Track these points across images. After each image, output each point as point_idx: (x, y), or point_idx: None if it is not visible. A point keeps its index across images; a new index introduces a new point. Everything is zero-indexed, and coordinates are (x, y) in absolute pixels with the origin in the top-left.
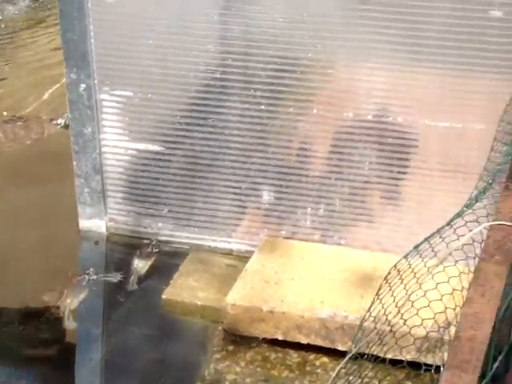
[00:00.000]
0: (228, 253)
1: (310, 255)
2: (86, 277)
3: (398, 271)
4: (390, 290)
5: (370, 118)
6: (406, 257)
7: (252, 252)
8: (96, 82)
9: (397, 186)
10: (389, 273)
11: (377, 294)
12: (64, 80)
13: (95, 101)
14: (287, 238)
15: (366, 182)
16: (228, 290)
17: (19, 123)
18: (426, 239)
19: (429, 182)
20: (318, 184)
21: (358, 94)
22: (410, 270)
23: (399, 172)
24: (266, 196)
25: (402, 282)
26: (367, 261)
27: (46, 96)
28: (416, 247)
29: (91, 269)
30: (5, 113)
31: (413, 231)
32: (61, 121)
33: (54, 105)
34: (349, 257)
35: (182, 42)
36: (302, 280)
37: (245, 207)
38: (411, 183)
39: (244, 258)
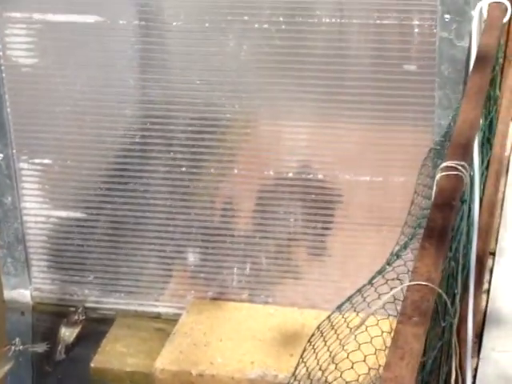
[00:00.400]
0: (156, 316)
1: (237, 315)
2: (12, 348)
3: (321, 333)
4: (314, 352)
5: (291, 175)
6: (328, 317)
7: (180, 315)
8: (14, 151)
9: (322, 241)
10: (312, 334)
11: (301, 357)
12: None
13: (14, 170)
14: (215, 298)
15: (292, 238)
16: (157, 354)
17: None
18: (348, 298)
19: (354, 236)
20: (244, 243)
21: (278, 151)
22: (333, 331)
23: (324, 227)
24: (192, 258)
25: (325, 344)
26: (295, 318)
27: None
28: (339, 307)
29: (17, 339)
30: None
31: (340, 286)
32: None
33: None
34: (277, 315)
35: (99, 107)
36: (231, 340)
37: (171, 270)
38: (336, 238)
39: (172, 321)
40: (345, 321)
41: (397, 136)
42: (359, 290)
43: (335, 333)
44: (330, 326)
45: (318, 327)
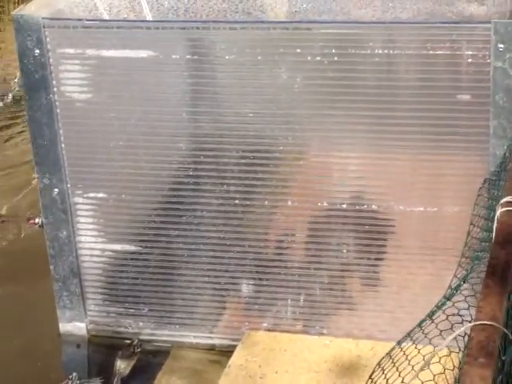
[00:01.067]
0: (210, 348)
1: (293, 347)
2: (70, 382)
3: (383, 370)
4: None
5: (344, 206)
6: (389, 354)
7: (235, 346)
8: (69, 185)
9: (376, 271)
10: (373, 371)
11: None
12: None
13: (69, 204)
14: (269, 330)
15: (345, 269)
16: None
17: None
18: (408, 334)
19: (407, 267)
20: (297, 275)
21: (331, 183)
22: (395, 368)
23: (377, 258)
24: (246, 289)
25: (397, 370)
26: (351, 349)
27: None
28: (399, 343)
29: (74, 374)
30: None
31: (395, 316)
32: (38, 220)
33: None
34: (332, 346)
35: (153, 141)
36: (287, 373)
37: (225, 302)
38: (390, 268)
39: (227, 352)
40: (406, 358)
41: (450, 166)
42: (419, 325)
43: (397, 370)
44: (391, 363)
45: (379, 364)
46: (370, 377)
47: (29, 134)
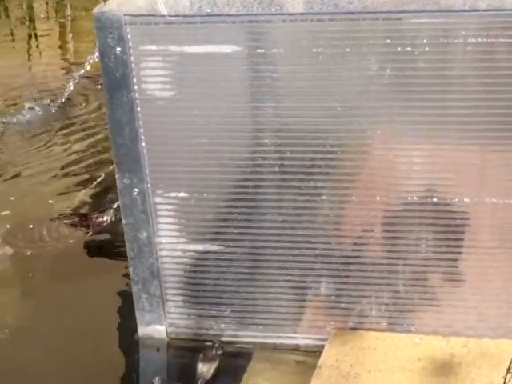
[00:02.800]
0: (295, 349)
1: (382, 345)
2: None
3: None
4: None
5: (436, 200)
6: None
7: (319, 346)
8: (149, 185)
9: (455, 266)
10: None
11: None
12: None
13: (149, 205)
14: (354, 328)
15: (426, 265)
16: None
17: (65, 221)
18: None
19: (487, 260)
20: (380, 271)
21: (420, 176)
22: None
23: (456, 252)
24: (331, 287)
25: None
26: (443, 347)
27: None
28: None
29: (157, 378)
30: None
31: (481, 311)
32: (106, 218)
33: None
34: (423, 344)
35: (237, 138)
36: (381, 372)
37: (309, 301)
38: (469, 263)
39: (312, 353)
40: None
41: None
42: None
43: None
44: None
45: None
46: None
47: (109, 133)
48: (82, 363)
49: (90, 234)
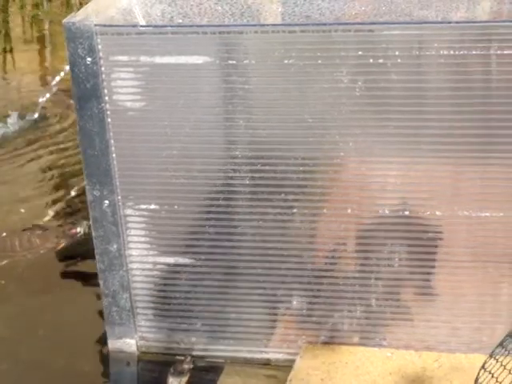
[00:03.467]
0: (266, 363)
1: (353, 359)
2: None
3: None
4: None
5: (407, 213)
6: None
7: (291, 361)
8: (120, 197)
9: (428, 280)
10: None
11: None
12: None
13: (120, 217)
14: (326, 343)
15: (398, 279)
16: None
17: (38, 232)
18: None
19: (460, 274)
20: (352, 285)
21: (393, 190)
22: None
23: (428, 266)
24: (302, 301)
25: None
26: (414, 361)
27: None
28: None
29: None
30: None
31: (454, 326)
32: (80, 229)
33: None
34: (394, 358)
35: (208, 149)
36: None
37: (280, 314)
38: (442, 276)
39: (283, 367)
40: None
41: (497, 170)
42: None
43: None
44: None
45: (484, 367)
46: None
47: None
48: (50, 375)
49: (62, 245)
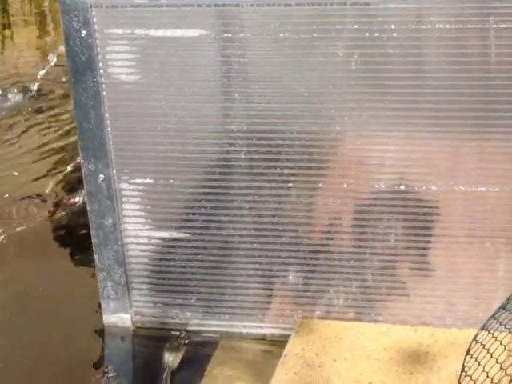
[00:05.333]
0: (261, 338)
1: (349, 334)
2: (105, 375)
3: (483, 344)
4: (479, 364)
5: (402, 188)
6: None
7: (286, 336)
8: (115, 171)
9: (424, 256)
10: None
11: (463, 370)
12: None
13: (115, 191)
14: (322, 318)
15: (394, 254)
16: (267, 377)
17: (36, 201)
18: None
19: (457, 250)
20: (348, 260)
21: (389, 165)
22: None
23: (425, 241)
24: (298, 276)
25: (491, 356)
26: (410, 336)
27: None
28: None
29: (109, 367)
30: None
31: (449, 301)
32: (78, 199)
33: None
34: (390, 333)
35: (204, 123)
36: (346, 361)
37: (276, 290)
38: (438, 252)
39: (278, 342)
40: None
41: (499, 145)
42: (503, 307)
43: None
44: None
45: (476, 339)
46: (462, 369)
47: (74, 118)
48: (43, 349)
49: (59, 214)
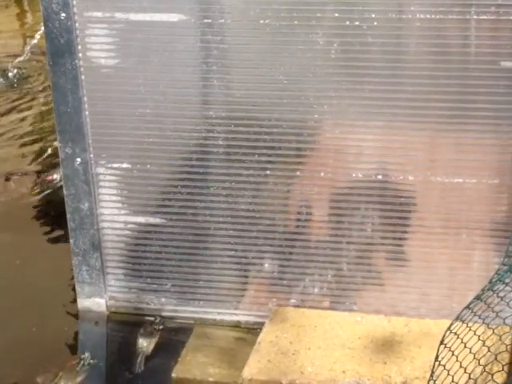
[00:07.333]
0: (235, 325)
1: (323, 323)
2: (82, 361)
3: (457, 334)
4: (453, 354)
5: (380, 177)
6: (459, 318)
7: (260, 323)
8: (92, 155)
9: (400, 246)
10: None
11: (436, 360)
12: None
13: (91, 175)
14: (297, 306)
15: (370, 243)
16: (240, 364)
17: (15, 177)
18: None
19: (432, 241)
20: (324, 249)
21: (368, 154)
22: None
23: (401, 232)
24: (273, 264)
25: (465, 346)
26: (384, 326)
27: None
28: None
29: (86, 354)
30: None
31: (424, 291)
32: (56, 176)
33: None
34: (364, 322)
35: (182, 109)
36: (320, 349)
37: (251, 277)
38: (414, 242)
39: (252, 329)
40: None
41: (477, 136)
42: (478, 298)
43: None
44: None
45: (450, 329)
46: (436, 358)
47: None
48: (15, 331)
49: (37, 191)
